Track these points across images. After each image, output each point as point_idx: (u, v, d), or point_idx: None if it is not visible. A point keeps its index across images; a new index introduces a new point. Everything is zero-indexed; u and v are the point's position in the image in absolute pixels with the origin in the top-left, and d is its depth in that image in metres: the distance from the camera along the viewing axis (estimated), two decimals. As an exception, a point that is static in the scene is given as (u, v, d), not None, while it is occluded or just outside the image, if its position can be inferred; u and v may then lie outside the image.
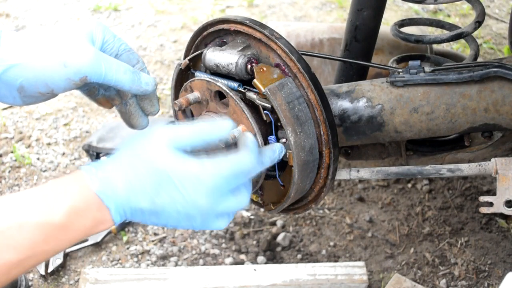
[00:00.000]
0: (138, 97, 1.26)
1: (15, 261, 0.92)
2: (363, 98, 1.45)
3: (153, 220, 0.99)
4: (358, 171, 1.49)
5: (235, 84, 1.29)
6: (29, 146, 2.47)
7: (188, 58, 1.39)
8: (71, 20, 3.42)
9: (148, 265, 1.97)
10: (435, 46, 2.17)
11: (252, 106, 1.28)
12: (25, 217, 0.92)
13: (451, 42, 2.63)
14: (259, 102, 1.25)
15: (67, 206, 0.95)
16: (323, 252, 2.00)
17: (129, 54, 1.20)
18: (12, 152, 2.42)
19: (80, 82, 1.10)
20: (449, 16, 3.46)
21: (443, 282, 1.88)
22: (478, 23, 1.60)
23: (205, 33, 1.39)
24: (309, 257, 1.99)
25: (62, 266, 1.94)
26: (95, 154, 2.32)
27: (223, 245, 2.03)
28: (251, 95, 1.27)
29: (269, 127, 1.28)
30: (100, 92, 1.26)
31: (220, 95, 1.31)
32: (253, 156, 1.01)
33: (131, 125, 1.31)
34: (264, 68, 1.25)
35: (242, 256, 1.99)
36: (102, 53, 1.11)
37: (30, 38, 1.09)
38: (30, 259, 0.93)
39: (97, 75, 1.09)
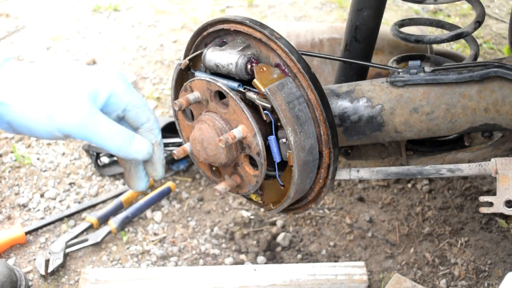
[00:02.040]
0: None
1: None
2: (363, 98, 1.45)
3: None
4: (358, 171, 1.49)
5: (235, 84, 1.29)
6: (29, 146, 2.47)
7: (188, 58, 1.39)
8: (71, 20, 3.42)
9: (148, 265, 1.97)
10: (435, 46, 2.17)
11: (252, 106, 1.28)
12: None
13: (451, 42, 2.63)
14: (259, 102, 1.26)
15: None
16: (323, 252, 2.00)
17: (139, 111, 1.11)
18: (12, 152, 2.42)
19: (63, 137, 1.03)
20: (449, 16, 3.46)
21: (443, 282, 1.88)
22: (478, 23, 1.60)
23: (205, 33, 1.39)
24: (309, 257, 1.99)
25: (62, 266, 1.94)
26: (95, 154, 2.32)
27: (223, 245, 2.03)
28: (251, 95, 1.27)
29: (269, 127, 1.28)
30: None
31: (220, 95, 1.31)
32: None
33: (127, 183, 1.20)
34: (264, 68, 1.25)
35: (242, 256, 1.99)
36: (94, 115, 1.01)
37: (29, 77, 1.01)
38: None
39: (81, 136, 1.01)
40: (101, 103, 1.04)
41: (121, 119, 1.11)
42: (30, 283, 1.89)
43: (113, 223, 2.06)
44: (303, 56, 1.28)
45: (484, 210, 1.41)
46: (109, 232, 2.05)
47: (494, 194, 1.39)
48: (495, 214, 2.06)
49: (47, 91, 0.99)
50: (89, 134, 1.00)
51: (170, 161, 2.32)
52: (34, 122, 0.99)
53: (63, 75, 1.01)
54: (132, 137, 1.06)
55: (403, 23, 1.71)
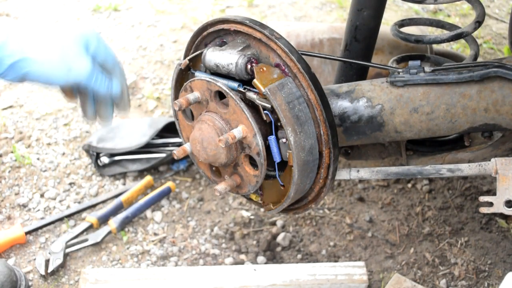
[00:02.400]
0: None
1: None
2: (363, 98, 1.45)
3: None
4: (358, 171, 1.49)
5: (235, 84, 1.29)
6: (29, 146, 2.47)
7: (188, 58, 1.39)
8: (70, 20, 3.42)
9: (148, 265, 1.97)
10: (435, 46, 2.17)
11: (252, 106, 1.28)
12: None
13: (451, 42, 2.63)
14: (259, 102, 1.26)
15: None
16: (323, 252, 2.00)
17: (112, 58, 1.36)
18: (12, 152, 2.42)
19: (74, 85, 1.32)
20: (449, 16, 3.46)
21: (443, 282, 1.88)
22: (478, 23, 1.60)
23: (205, 33, 1.39)
24: (309, 257, 1.99)
25: (62, 266, 1.94)
26: (95, 154, 2.32)
27: (223, 245, 2.03)
28: (251, 95, 1.27)
29: (269, 127, 1.29)
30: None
31: (220, 95, 1.31)
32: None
33: (99, 116, 1.46)
34: (264, 68, 1.25)
35: (242, 256, 1.99)
36: (95, 68, 1.29)
37: (37, 34, 1.24)
38: None
39: (88, 86, 1.30)
40: (90, 56, 1.30)
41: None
42: (30, 283, 1.89)
43: (113, 223, 2.06)
44: (303, 56, 1.28)
45: (484, 210, 1.41)
46: (109, 232, 2.05)
47: (494, 194, 1.39)
48: (495, 214, 2.06)
49: (59, 45, 1.24)
50: (92, 79, 1.29)
51: (170, 161, 2.32)
52: (57, 73, 1.24)
53: (61, 30, 1.27)
54: (110, 82, 1.35)
55: (403, 23, 1.71)
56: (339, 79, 1.77)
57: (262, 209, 2.10)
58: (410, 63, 1.42)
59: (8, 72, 1.22)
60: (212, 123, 1.30)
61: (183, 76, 1.43)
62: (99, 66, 1.31)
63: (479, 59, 1.89)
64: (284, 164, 1.31)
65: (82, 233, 2.05)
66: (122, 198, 2.15)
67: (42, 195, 2.23)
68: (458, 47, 3.03)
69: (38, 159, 2.40)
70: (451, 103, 1.39)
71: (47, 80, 1.25)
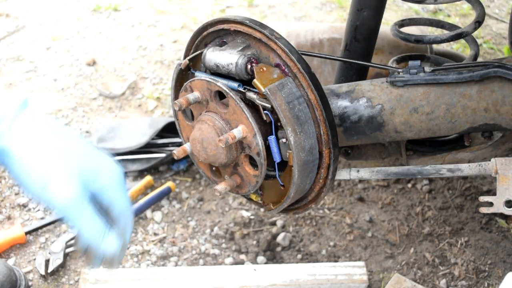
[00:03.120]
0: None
1: None
2: (363, 98, 1.45)
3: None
4: (358, 171, 1.49)
5: (235, 84, 1.29)
6: (29, 146, 2.47)
7: (188, 58, 1.39)
8: (71, 20, 3.42)
9: (148, 265, 1.97)
10: (435, 46, 2.17)
11: (252, 106, 1.28)
12: None
13: (451, 42, 2.63)
14: (259, 102, 1.26)
15: None
16: (323, 252, 2.00)
17: (121, 213, 1.08)
18: (12, 152, 2.42)
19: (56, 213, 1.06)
20: (449, 16, 3.46)
21: (443, 282, 1.88)
22: (478, 23, 1.60)
23: (205, 33, 1.39)
24: (309, 257, 1.99)
25: (62, 266, 1.94)
26: (95, 154, 2.31)
27: (223, 245, 2.03)
28: (251, 95, 1.27)
29: (269, 127, 1.29)
30: None
31: (220, 95, 1.31)
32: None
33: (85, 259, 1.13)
34: (264, 68, 1.25)
35: (242, 256, 1.99)
36: (81, 202, 0.99)
37: (38, 138, 1.01)
38: None
39: (63, 214, 1.00)
40: (91, 192, 1.02)
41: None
42: (30, 283, 1.89)
43: (113, 223, 2.06)
44: (303, 56, 1.28)
45: (484, 210, 1.41)
46: (109, 232, 2.05)
47: (494, 194, 1.39)
48: (495, 214, 2.06)
49: (51, 162, 0.98)
50: (71, 216, 0.99)
51: (170, 161, 2.32)
52: (29, 182, 0.97)
53: (68, 147, 1.01)
54: (106, 234, 1.03)
55: (403, 23, 1.71)
56: (339, 79, 1.77)
57: (262, 209, 2.10)
58: (410, 63, 1.42)
59: None
60: (212, 123, 1.30)
61: (183, 76, 1.43)
62: (97, 206, 1.02)
63: (479, 59, 1.89)
64: (284, 164, 1.31)
65: (82, 233, 2.05)
66: (122, 198, 2.15)
67: (42, 195, 2.23)
68: (458, 47, 3.03)
69: (38, 159, 2.40)
70: (451, 103, 1.39)
71: (23, 186, 0.99)
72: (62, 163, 0.97)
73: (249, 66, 1.26)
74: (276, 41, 1.25)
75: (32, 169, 0.96)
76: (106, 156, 1.02)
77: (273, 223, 2.10)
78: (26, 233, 2.03)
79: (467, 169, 1.43)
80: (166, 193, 2.20)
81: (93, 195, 1.01)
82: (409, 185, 2.23)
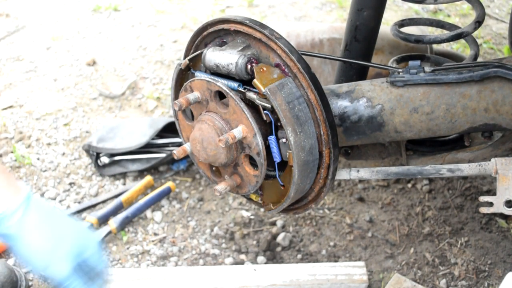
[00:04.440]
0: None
1: None
2: (363, 98, 1.45)
3: None
4: (358, 171, 1.49)
5: (235, 84, 1.29)
6: (29, 146, 2.47)
7: (188, 58, 1.39)
8: (71, 20, 3.42)
9: (148, 265, 1.97)
10: (435, 46, 2.17)
11: (252, 106, 1.28)
12: None
13: (451, 42, 2.63)
14: (259, 102, 1.26)
15: None
16: (323, 252, 2.00)
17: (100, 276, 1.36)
18: (12, 152, 2.42)
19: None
20: (449, 16, 3.46)
21: (443, 282, 1.88)
22: (478, 23, 1.60)
23: (205, 33, 1.39)
24: (309, 257, 1.99)
25: (62, 266, 1.94)
26: (95, 154, 2.32)
27: (223, 245, 2.03)
28: (251, 95, 1.27)
29: (269, 127, 1.29)
30: None
31: (220, 95, 1.31)
32: None
33: None
34: (264, 68, 1.25)
35: (242, 256, 1.99)
36: (74, 275, 1.26)
37: (41, 224, 1.26)
38: None
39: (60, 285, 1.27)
40: (78, 262, 1.28)
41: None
42: (30, 283, 1.89)
43: (113, 223, 2.06)
44: (303, 56, 1.28)
45: (484, 210, 1.41)
46: (109, 232, 2.05)
47: (494, 194, 1.39)
48: (495, 214, 2.06)
49: (51, 248, 1.25)
50: (66, 283, 1.26)
51: (170, 161, 2.32)
52: (34, 264, 1.26)
53: (63, 233, 1.27)
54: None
55: (403, 23, 1.71)
56: (339, 79, 1.77)
57: (262, 209, 2.10)
58: (410, 63, 1.42)
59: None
60: (212, 123, 1.30)
61: (183, 76, 1.43)
62: (81, 271, 1.30)
63: (479, 59, 1.89)
64: (284, 164, 1.31)
65: (82, 233, 2.05)
66: (122, 198, 2.15)
67: (42, 195, 2.23)
68: (458, 47, 3.03)
69: (38, 159, 2.40)
70: (451, 103, 1.39)
71: (29, 265, 1.28)
72: (59, 249, 1.24)
73: (249, 66, 1.26)
74: (276, 41, 1.25)
75: (37, 254, 1.25)
76: (89, 233, 1.33)
77: (273, 223, 2.10)
78: (26, 233, 2.03)
79: (467, 169, 1.43)
80: (166, 193, 2.20)
81: (79, 264, 1.29)
82: (409, 185, 2.23)
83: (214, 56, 1.31)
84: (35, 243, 1.24)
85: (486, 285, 1.87)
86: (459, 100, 1.39)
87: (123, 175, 2.31)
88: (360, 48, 1.70)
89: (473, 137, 1.62)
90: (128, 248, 2.03)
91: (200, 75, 1.36)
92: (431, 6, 3.49)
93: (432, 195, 2.18)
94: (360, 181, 2.25)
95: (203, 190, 2.26)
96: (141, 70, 2.97)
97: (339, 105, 1.46)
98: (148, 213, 2.15)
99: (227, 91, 1.25)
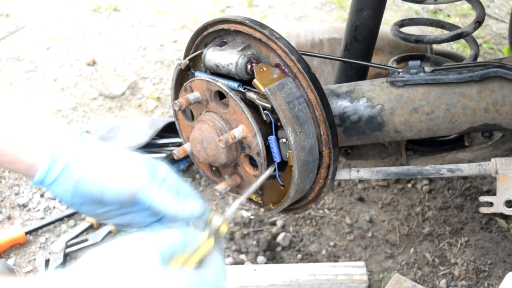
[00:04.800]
0: None
1: None
2: (363, 98, 1.45)
3: None
4: (358, 171, 1.49)
5: (235, 84, 1.29)
6: (29, 146, 2.47)
7: (188, 58, 1.39)
8: (71, 20, 3.42)
9: (148, 265, 1.97)
10: (435, 46, 2.17)
11: (252, 106, 1.28)
12: None
13: (451, 42, 2.63)
14: (259, 102, 1.26)
15: None
16: (323, 252, 2.00)
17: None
18: (12, 152, 2.42)
19: (129, 196, 1.12)
20: (449, 16, 3.46)
21: (443, 282, 1.88)
22: (478, 23, 1.60)
23: (205, 33, 1.38)
24: (309, 257, 1.99)
25: (62, 266, 1.94)
26: (95, 154, 2.31)
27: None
28: (251, 95, 1.27)
29: (269, 127, 1.28)
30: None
31: (220, 95, 1.31)
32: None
33: None
34: (264, 68, 1.25)
35: (242, 256, 1.99)
36: (157, 181, 1.13)
37: (98, 145, 1.14)
38: None
39: (146, 194, 1.11)
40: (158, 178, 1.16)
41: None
42: (30, 283, 1.89)
43: (113, 223, 2.05)
44: (303, 56, 1.28)
45: (484, 210, 1.41)
46: (109, 232, 2.05)
47: (494, 194, 1.39)
48: (495, 214, 2.06)
49: (118, 156, 1.13)
50: (152, 189, 1.12)
51: (170, 161, 2.32)
52: (109, 179, 1.10)
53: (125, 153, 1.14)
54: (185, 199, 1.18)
55: (403, 23, 1.71)
56: (339, 79, 1.77)
57: (262, 209, 2.10)
58: (410, 63, 1.42)
59: (60, 179, 1.10)
60: (212, 123, 1.30)
61: (183, 76, 1.43)
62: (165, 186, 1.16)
63: (479, 59, 1.89)
64: (284, 164, 1.31)
65: (82, 233, 2.05)
66: (122, 198, 2.15)
67: (42, 195, 2.23)
68: (458, 47, 3.03)
69: (38, 159, 2.40)
70: (451, 103, 1.39)
71: (99, 185, 1.11)
72: (128, 156, 1.13)
73: (249, 66, 1.25)
74: (276, 41, 1.25)
75: (107, 165, 1.11)
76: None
77: (273, 223, 2.10)
78: (26, 233, 2.03)
79: (467, 169, 1.43)
80: (166, 193, 2.20)
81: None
82: (409, 185, 2.23)
83: (214, 56, 1.31)
84: (100, 158, 1.11)
85: (486, 285, 1.87)
86: (459, 100, 1.39)
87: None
88: (360, 48, 1.70)
89: (473, 137, 1.62)
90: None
91: (200, 75, 1.36)
92: (431, 6, 3.49)
93: (432, 195, 2.18)
94: (360, 181, 2.25)
95: (203, 190, 2.25)
96: (141, 70, 2.97)
97: (339, 105, 1.46)
98: (148, 213, 2.15)
99: (227, 91, 1.25)
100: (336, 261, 1.96)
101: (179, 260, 1.00)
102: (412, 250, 1.99)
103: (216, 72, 1.32)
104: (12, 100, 1.15)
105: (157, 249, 0.98)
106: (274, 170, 1.33)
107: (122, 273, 0.93)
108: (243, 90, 1.28)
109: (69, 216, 2.12)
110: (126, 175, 1.11)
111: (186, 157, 2.29)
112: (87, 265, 0.95)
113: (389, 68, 1.45)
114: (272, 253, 1.99)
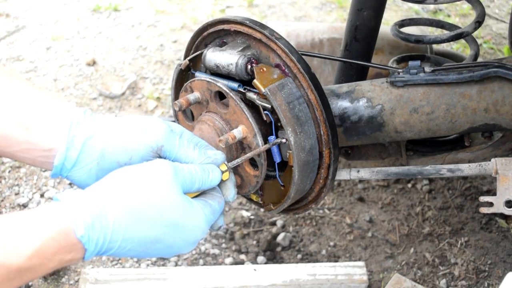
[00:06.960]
0: None
1: None
2: (363, 98, 1.45)
3: (133, 254, 1.01)
4: (358, 171, 1.49)
5: (235, 85, 1.29)
6: (29, 146, 2.47)
7: (188, 58, 1.39)
8: (71, 20, 3.42)
9: (148, 265, 1.97)
10: (435, 46, 2.17)
11: (252, 106, 1.28)
12: None
13: (451, 42, 2.63)
14: (259, 102, 1.26)
15: (32, 249, 0.88)
16: (323, 252, 2.00)
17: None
18: (12, 152, 2.42)
19: (157, 151, 1.12)
20: (449, 16, 3.46)
21: (443, 282, 1.88)
22: (478, 23, 1.60)
23: (205, 33, 1.39)
24: (309, 257, 1.99)
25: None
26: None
27: (223, 245, 2.03)
28: (251, 95, 1.27)
29: (269, 127, 1.29)
30: None
31: (220, 95, 1.31)
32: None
33: None
34: (264, 69, 1.25)
35: (242, 256, 1.99)
36: (175, 134, 1.16)
37: (112, 117, 1.16)
38: None
39: (171, 146, 1.13)
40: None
41: None
42: (30, 283, 1.89)
43: (113, 223, 2.05)
44: (303, 56, 1.28)
45: (484, 210, 1.41)
46: (109, 232, 2.04)
47: (494, 194, 1.39)
48: (495, 214, 2.06)
49: (135, 118, 1.15)
50: (178, 145, 1.14)
51: (170, 161, 2.32)
52: (132, 137, 1.10)
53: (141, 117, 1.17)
54: (205, 150, 1.19)
55: (403, 23, 1.71)
56: (339, 79, 1.77)
57: (262, 209, 2.10)
58: (410, 63, 1.42)
59: (81, 158, 1.08)
60: (212, 123, 1.30)
61: (183, 77, 1.43)
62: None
63: (479, 59, 1.89)
64: (284, 164, 1.31)
65: (82, 233, 2.05)
66: (122, 198, 2.15)
67: (42, 195, 2.23)
68: (458, 47, 3.03)
69: (38, 159, 2.40)
70: (451, 103, 1.39)
71: (125, 149, 1.09)
72: (145, 119, 1.14)
73: (249, 67, 1.26)
74: (276, 41, 1.25)
75: (129, 127, 1.12)
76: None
77: (273, 223, 2.10)
78: (26, 233, 2.03)
79: (467, 169, 1.43)
80: (166, 193, 2.20)
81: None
82: (409, 185, 2.23)
83: (214, 56, 1.31)
84: (120, 124, 1.12)
85: (486, 285, 1.87)
86: (459, 100, 1.39)
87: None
88: (360, 48, 1.70)
89: (473, 137, 1.62)
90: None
91: (200, 76, 1.36)
92: (431, 6, 3.49)
93: (432, 195, 2.18)
94: (360, 181, 2.25)
95: (203, 190, 2.25)
96: (141, 70, 2.97)
97: (339, 105, 1.46)
98: (148, 213, 2.15)
99: (227, 91, 1.25)
100: (336, 261, 1.97)
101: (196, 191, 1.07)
102: (412, 250, 1.99)
103: (216, 73, 1.32)
104: (19, 84, 1.11)
105: (178, 176, 1.02)
106: (275, 170, 1.33)
107: (143, 193, 0.97)
108: (243, 91, 1.28)
109: (69, 216, 2.12)
110: (148, 131, 1.11)
111: (186, 157, 2.30)
112: (111, 182, 0.98)
113: (389, 68, 1.45)
114: (272, 253, 1.99)
